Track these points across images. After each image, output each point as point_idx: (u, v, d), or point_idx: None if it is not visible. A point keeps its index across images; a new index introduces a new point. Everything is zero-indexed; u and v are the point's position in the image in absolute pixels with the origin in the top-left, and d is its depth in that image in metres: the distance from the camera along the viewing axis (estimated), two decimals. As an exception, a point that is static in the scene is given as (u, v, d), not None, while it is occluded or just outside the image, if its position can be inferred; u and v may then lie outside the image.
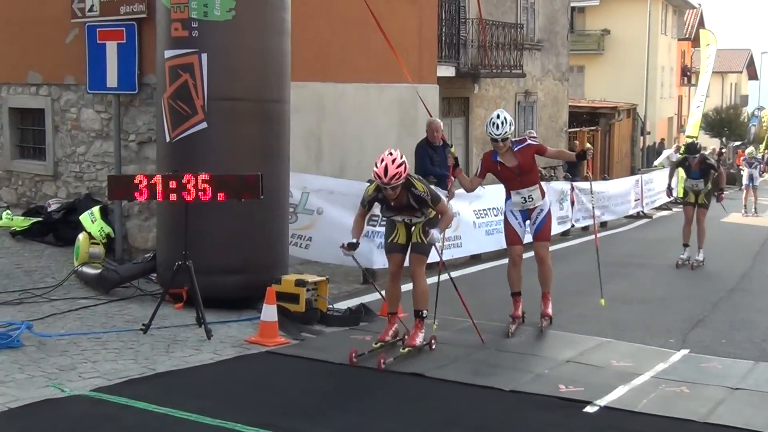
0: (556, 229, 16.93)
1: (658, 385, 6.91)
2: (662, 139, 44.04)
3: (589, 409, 6.29)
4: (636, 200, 22.60)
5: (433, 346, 7.82)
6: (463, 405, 6.43)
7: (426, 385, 6.85)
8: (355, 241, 7.64)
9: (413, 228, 7.74)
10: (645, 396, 6.61)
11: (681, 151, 29.51)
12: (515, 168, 8.64)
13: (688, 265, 13.82)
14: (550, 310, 9.03)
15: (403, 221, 7.75)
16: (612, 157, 33.03)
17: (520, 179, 8.70)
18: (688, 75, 53.10)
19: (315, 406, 6.22)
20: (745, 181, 25.69)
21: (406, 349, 7.53)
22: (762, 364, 7.78)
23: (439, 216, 7.66)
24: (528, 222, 8.93)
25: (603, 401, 6.42)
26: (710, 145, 45.32)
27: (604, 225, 20.13)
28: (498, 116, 8.59)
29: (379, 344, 7.68)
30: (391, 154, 7.28)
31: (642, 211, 23.16)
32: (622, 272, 13.18)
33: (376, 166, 7.26)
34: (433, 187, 7.93)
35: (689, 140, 13.73)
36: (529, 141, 8.84)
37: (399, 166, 7.20)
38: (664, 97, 47.36)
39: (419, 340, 7.72)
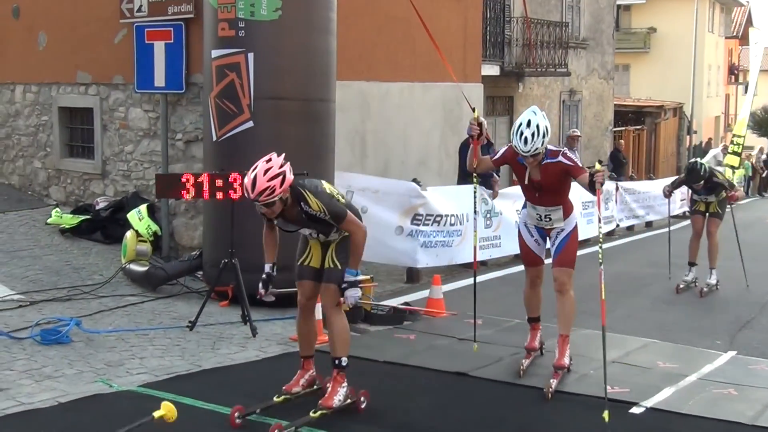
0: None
1: (705, 387, 6.84)
2: (709, 138, 43.50)
3: (635, 410, 6.25)
4: (682, 200, 22.32)
5: (363, 405, 6.03)
6: (508, 405, 6.42)
7: (470, 385, 6.84)
8: (268, 271, 6.24)
9: (329, 248, 6.05)
10: (691, 398, 6.55)
11: (731, 150, 29.33)
12: (536, 183, 6.91)
13: (694, 290, 11.52)
14: (566, 360, 7.03)
15: (313, 236, 6.09)
16: (658, 157, 32.72)
17: (539, 196, 6.99)
18: (735, 73, 52.42)
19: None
20: None
21: (318, 413, 5.68)
22: (811, 366, 7.68)
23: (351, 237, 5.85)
24: (548, 239, 7.23)
25: (649, 402, 6.37)
26: (758, 144, 44.73)
27: (649, 225, 19.98)
28: (528, 124, 6.59)
29: (282, 397, 6.01)
30: (268, 161, 5.56)
31: (688, 212, 22.86)
32: (666, 272, 13.04)
33: (246, 176, 5.63)
34: (345, 197, 6.25)
35: (691, 163, 11.91)
36: (560, 158, 6.77)
37: (273, 178, 5.47)
38: (711, 95, 46.77)
39: (337, 399, 5.83)
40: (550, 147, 6.79)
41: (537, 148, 6.55)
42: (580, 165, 6.84)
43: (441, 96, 15.18)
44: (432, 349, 7.77)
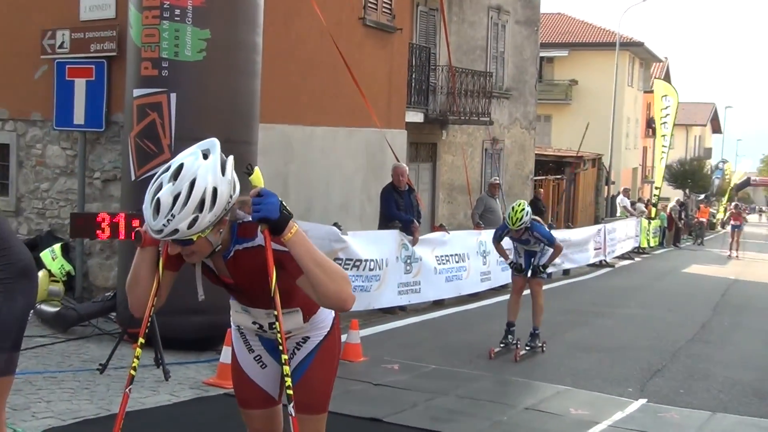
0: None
1: (616, 435, 6.95)
2: (626, 189, 44.54)
3: (546, 457, 6.31)
4: (597, 249, 22.78)
5: None
6: (421, 451, 6.42)
7: (384, 431, 6.83)
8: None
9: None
10: (602, 445, 6.64)
11: (630, 196, 30.27)
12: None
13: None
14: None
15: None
16: (577, 206, 33.34)
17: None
18: (652, 127, 53.88)
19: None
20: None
21: None
22: (719, 414, 7.85)
23: None
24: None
25: (560, 450, 6.44)
26: (674, 195, 45.94)
27: (566, 273, 20.26)
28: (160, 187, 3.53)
29: None
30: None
31: (604, 260, 23.35)
32: (582, 320, 13.27)
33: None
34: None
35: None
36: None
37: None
38: (629, 147, 47.97)
39: None
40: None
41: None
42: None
43: (364, 141, 15.29)
44: (347, 394, 7.74)
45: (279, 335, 3.41)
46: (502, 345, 10.24)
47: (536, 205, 22.16)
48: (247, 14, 9.23)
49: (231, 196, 3.29)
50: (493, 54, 24.62)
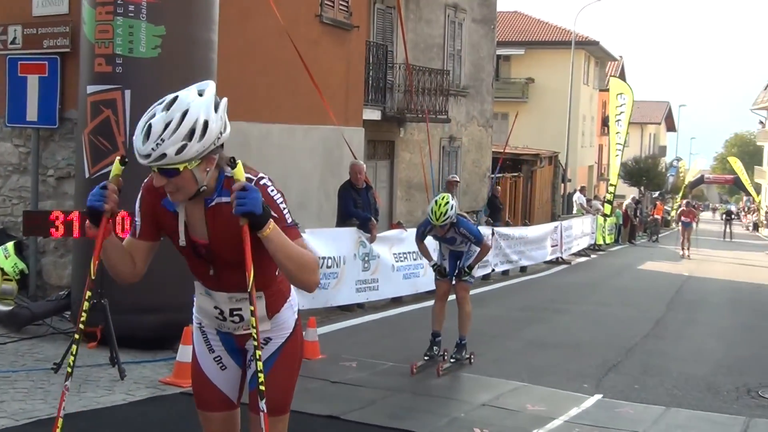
0: (476, 273, 17.13)
1: (571, 430, 6.99)
2: (582, 186, 44.96)
3: (503, 453, 6.34)
4: (554, 246, 22.97)
5: None
6: (379, 448, 6.42)
7: (342, 429, 6.82)
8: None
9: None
10: (558, 440, 6.69)
11: (605, 198, 30.46)
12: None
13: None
14: None
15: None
16: (534, 203, 33.57)
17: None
18: (608, 125, 54.41)
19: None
20: None
21: None
22: (673, 409, 7.94)
23: None
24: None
25: (517, 445, 6.48)
26: (630, 193, 46.45)
27: (523, 270, 20.41)
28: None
29: None
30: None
31: (561, 257, 23.55)
32: (539, 317, 13.36)
33: None
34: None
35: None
36: None
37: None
38: (585, 145, 48.39)
39: None
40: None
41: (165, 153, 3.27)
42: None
43: (322, 138, 15.26)
44: (305, 392, 7.70)
45: (254, 327, 3.40)
46: (426, 358, 9.03)
47: (494, 203, 22.35)
48: (202, 11, 9.16)
49: (221, 133, 3.34)
50: (450, 52, 24.71)
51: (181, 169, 3.27)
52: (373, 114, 19.43)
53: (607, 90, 51.12)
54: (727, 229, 45.48)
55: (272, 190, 3.47)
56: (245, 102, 13.02)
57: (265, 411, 3.40)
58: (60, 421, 3.52)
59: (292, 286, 3.73)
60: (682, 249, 29.40)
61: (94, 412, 6.78)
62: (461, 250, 9.34)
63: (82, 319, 3.63)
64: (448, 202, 8.74)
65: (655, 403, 8.22)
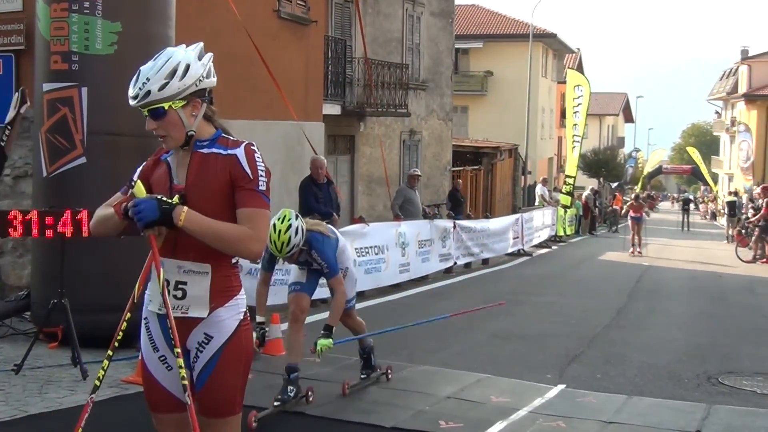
0: (438, 266, 17.21)
1: (536, 420, 7.04)
2: (544, 178, 45.27)
3: (468, 444, 6.37)
4: (515, 238, 23.10)
5: None
6: (344, 443, 6.43)
7: (307, 423, 6.82)
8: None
9: None
10: (522, 431, 6.73)
11: (564, 190, 30.54)
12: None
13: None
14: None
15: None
16: (494, 196, 33.73)
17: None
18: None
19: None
20: None
21: None
22: (634, 398, 8.02)
23: None
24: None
25: (481, 437, 6.51)
26: (589, 184, 46.81)
27: (485, 262, 20.50)
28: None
29: None
30: None
31: (522, 249, 23.69)
32: (501, 309, 13.40)
33: None
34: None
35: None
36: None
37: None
38: (545, 137, 48.73)
39: None
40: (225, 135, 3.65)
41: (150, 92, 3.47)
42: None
43: (282, 134, 15.22)
44: (269, 388, 7.68)
45: (170, 329, 3.52)
46: (276, 404, 6.87)
47: (455, 196, 22.42)
48: (158, 7, 9.09)
49: (203, 77, 3.58)
50: (408, 46, 24.74)
51: (166, 108, 3.49)
52: (332, 109, 19.40)
53: (566, 82, 51.68)
54: (685, 219, 44.65)
55: (258, 156, 3.56)
56: (204, 98, 12.93)
57: (190, 403, 3.47)
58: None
59: (242, 289, 3.69)
60: (632, 246, 26.06)
61: (57, 413, 6.72)
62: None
63: (119, 337, 3.79)
64: (290, 226, 6.68)
65: (618, 392, 8.31)
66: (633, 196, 29.88)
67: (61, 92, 8.75)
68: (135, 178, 3.69)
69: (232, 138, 3.62)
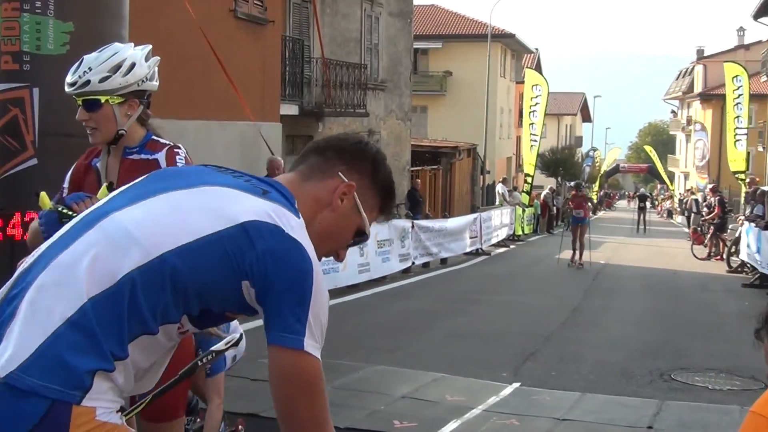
0: (398, 266, 17.24)
1: (489, 419, 7.09)
2: (504, 178, 45.53)
3: (421, 444, 6.40)
4: (474, 237, 23.20)
5: None
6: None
7: (262, 426, 6.79)
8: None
9: None
10: (476, 429, 6.77)
11: (524, 189, 30.69)
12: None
13: None
14: None
15: None
16: (453, 195, 33.86)
17: None
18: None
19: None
20: None
21: None
22: (588, 395, 8.10)
23: None
24: None
25: (435, 436, 6.54)
26: (548, 183, 47.16)
27: (444, 262, 20.57)
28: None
29: None
30: None
31: (481, 248, 23.80)
32: (458, 308, 13.49)
33: None
34: None
35: None
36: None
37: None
38: (503, 137, 49.00)
39: None
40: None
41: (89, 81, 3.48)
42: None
43: (239, 134, 15.16)
44: (224, 390, 7.66)
45: None
46: None
47: (414, 196, 22.47)
48: (111, 6, 8.98)
49: (147, 78, 3.66)
50: (367, 46, 24.76)
51: (103, 102, 3.48)
52: (290, 109, 19.36)
53: (524, 82, 52.04)
54: (642, 218, 39.76)
55: (180, 158, 3.62)
56: (159, 98, 12.74)
57: None
58: None
59: None
60: (573, 253, 21.06)
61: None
62: None
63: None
64: None
65: (572, 389, 8.37)
66: (573, 183, 24.89)
67: (12, 93, 8.62)
68: (65, 185, 3.66)
69: (161, 141, 3.63)
